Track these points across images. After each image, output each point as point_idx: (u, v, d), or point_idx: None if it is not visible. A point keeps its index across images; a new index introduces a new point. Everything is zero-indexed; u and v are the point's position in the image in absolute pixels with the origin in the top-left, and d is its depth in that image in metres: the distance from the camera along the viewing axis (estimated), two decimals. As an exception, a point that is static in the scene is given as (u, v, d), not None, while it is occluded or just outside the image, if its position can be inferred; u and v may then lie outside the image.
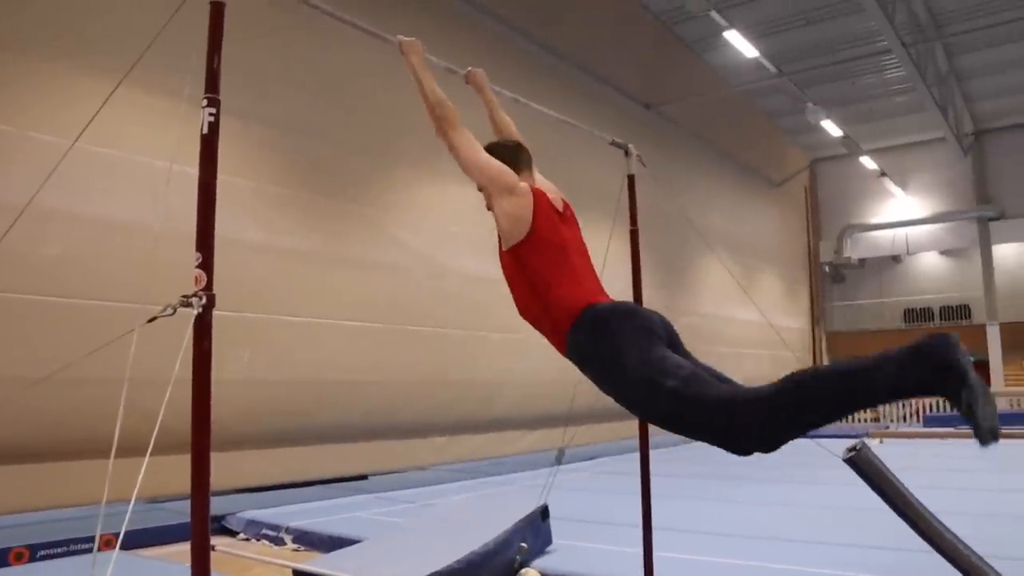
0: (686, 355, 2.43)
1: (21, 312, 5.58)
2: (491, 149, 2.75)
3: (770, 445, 2.16)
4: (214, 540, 6.20)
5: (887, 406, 18.65)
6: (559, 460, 3.79)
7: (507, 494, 7.63)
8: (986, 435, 1.86)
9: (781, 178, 20.06)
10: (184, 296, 1.92)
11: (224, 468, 7.17)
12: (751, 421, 2.12)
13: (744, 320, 16.23)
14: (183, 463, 6.48)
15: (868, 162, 20.09)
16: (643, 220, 11.92)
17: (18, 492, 5.82)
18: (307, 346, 7.64)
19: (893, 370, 1.98)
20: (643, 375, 2.25)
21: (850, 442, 2.56)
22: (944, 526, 2.61)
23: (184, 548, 5.76)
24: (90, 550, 5.71)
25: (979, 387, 1.89)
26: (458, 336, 9.42)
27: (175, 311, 1.93)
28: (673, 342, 2.45)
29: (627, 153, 3.54)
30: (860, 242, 21.61)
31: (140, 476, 1.88)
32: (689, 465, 10.05)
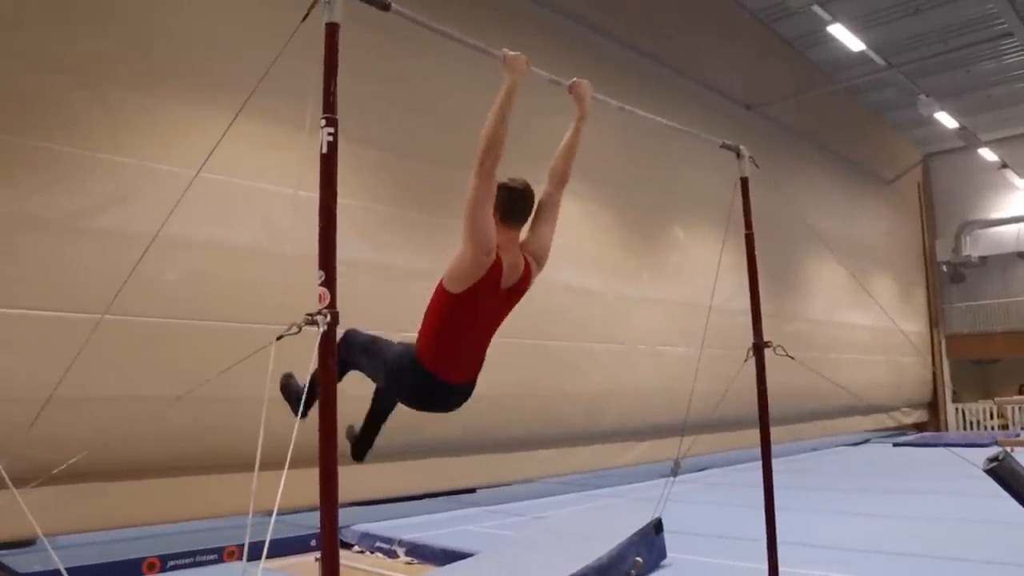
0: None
1: (149, 335, 5.86)
2: (501, 188, 2.90)
3: None
4: (330, 552, 6.35)
5: (1014, 410, 17.52)
6: (675, 472, 3.68)
7: (617, 507, 7.51)
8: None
9: (893, 175, 19.16)
10: (309, 314, 1.94)
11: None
12: None
13: (858, 325, 15.55)
14: (300, 476, 6.61)
15: (987, 154, 18.94)
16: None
17: (152, 505, 6.09)
18: (415, 361, 7.72)
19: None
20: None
21: (991, 451, 2.39)
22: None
23: (302, 560, 5.90)
24: (214, 561, 5.94)
25: None
26: (563, 348, 9.37)
27: (300, 329, 1.96)
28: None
29: (739, 155, 3.42)
30: (981, 239, 20.37)
31: (280, 490, 1.92)
32: (809, 476, 9.68)
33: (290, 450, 2.01)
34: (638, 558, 4.38)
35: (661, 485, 8.75)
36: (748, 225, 3.55)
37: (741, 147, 3.44)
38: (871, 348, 16.01)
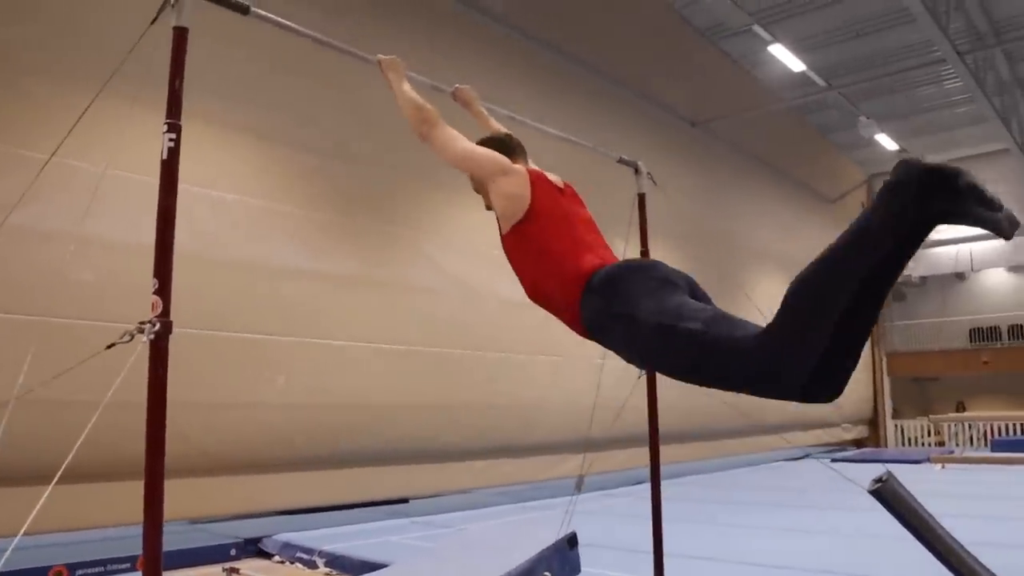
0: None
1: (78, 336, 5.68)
2: (480, 143, 2.69)
3: (826, 374, 1.81)
4: (247, 563, 6.24)
5: (950, 428, 17.92)
6: (579, 488, 3.67)
7: (545, 519, 7.50)
8: (1006, 226, 1.67)
9: (837, 194, 19.55)
10: (140, 322, 1.89)
11: (261, 490, 7.24)
12: (791, 351, 1.78)
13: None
14: (223, 484, 6.50)
15: (928, 176, 19.44)
16: (689, 238, 11.81)
17: (60, 512, 5.91)
18: (345, 369, 7.66)
19: (883, 212, 1.74)
20: (658, 323, 1.99)
21: (877, 473, 2.42)
22: (975, 559, 2.45)
23: (210, 570, 5.77)
24: (126, 570, 5.78)
25: (973, 177, 1.70)
26: (497, 359, 9.35)
27: (132, 337, 1.90)
28: (696, 294, 2.22)
29: (637, 171, 3.44)
30: (922, 259, 20.88)
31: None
32: (736, 491, 9.79)
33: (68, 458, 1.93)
34: (547, 572, 4.36)
35: (595, 498, 8.79)
36: (643, 242, 3.57)
37: (639, 163, 3.46)
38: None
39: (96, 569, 5.72)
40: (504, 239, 2.53)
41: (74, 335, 5.66)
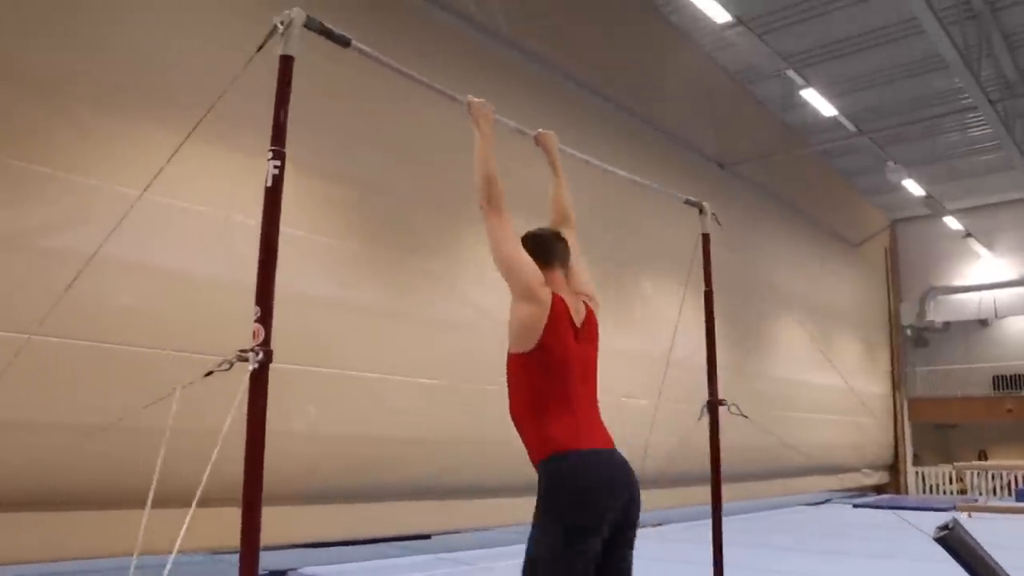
0: (613, 567, 2.53)
1: (91, 359, 5.69)
2: (526, 239, 2.74)
3: None
4: (274, 597, 6.15)
5: (973, 475, 17.64)
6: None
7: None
8: None
9: (860, 239, 19.49)
10: (241, 351, 1.87)
11: (286, 522, 7.16)
12: None
13: (821, 385, 15.65)
14: (234, 514, 6.39)
15: (952, 222, 19.38)
16: (715, 281, 11.62)
17: (69, 539, 5.85)
18: (374, 402, 7.61)
19: None
20: (536, 565, 2.41)
21: (943, 519, 2.36)
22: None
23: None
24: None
25: None
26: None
27: (231, 366, 1.89)
28: (618, 536, 2.52)
29: (701, 211, 3.43)
30: (944, 305, 20.74)
31: (184, 527, 1.83)
32: (772, 535, 9.62)
33: (200, 489, 1.92)
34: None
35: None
36: (707, 282, 3.55)
37: (704, 204, 3.45)
38: (834, 408, 16.09)
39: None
40: (508, 355, 2.65)
41: (144, 364, 5.72)
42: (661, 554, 7.85)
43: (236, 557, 6.74)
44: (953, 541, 2.31)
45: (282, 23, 2.16)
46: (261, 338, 1.90)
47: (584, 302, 2.79)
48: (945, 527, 2.31)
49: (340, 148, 7.61)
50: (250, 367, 1.89)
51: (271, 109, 7.13)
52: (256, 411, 1.88)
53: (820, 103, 12.60)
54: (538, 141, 3.20)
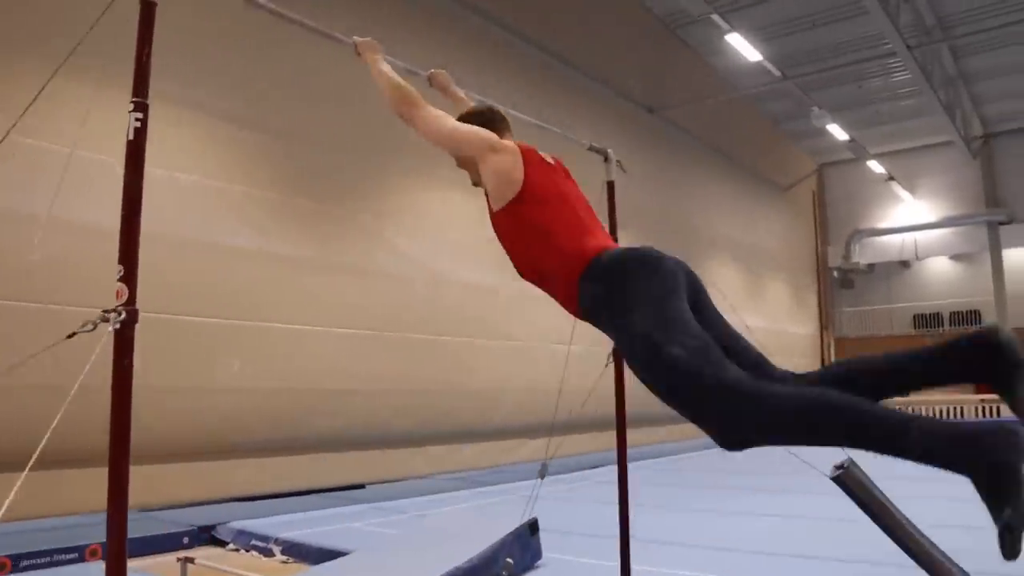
0: (710, 318, 2.22)
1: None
2: (462, 119, 2.60)
3: (746, 445, 1.95)
4: (200, 551, 6.11)
5: (935, 409, 18.47)
6: (543, 475, 3.66)
7: (503, 505, 7.50)
8: (1012, 549, 1.63)
9: (789, 183, 19.89)
10: (104, 310, 1.80)
11: (216, 476, 7.12)
12: (746, 418, 1.88)
13: (752, 327, 16.05)
14: (176, 471, 6.35)
15: (876, 166, 19.90)
16: (645, 224, 11.82)
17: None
18: (302, 354, 7.55)
19: (931, 445, 1.74)
20: (648, 335, 2.01)
21: (838, 459, 2.45)
22: (932, 544, 2.50)
23: (165, 559, 5.64)
24: (74, 561, 5.62)
25: None
26: (456, 344, 9.31)
27: (95, 326, 1.82)
28: (697, 298, 2.23)
29: (606, 159, 3.41)
30: (869, 247, 21.40)
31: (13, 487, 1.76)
32: (687, 474, 9.93)
33: (40, 448, 1.87)
34: (509, 559, 4.36)
35: (554, 483, 8.83)
36: (613, 231, 3.54)
37: (609, 151, 3.43)
38: (765, 348, 16.51)
39: (42, 559, 5.54)
40: (495, 216, 2.45)
41: (41, 319, 5.53)
42: (590, 497, 8.05)
43: (167, 514, 6.63)
44: (848, 480, 2.41)
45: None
46: (125, 297, 1.83)
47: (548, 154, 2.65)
48: (841, 466, 2.40)
49: (258, 97, 7.40)
50: (111, 327, 1.81)
51: (177, 56, 6.83)
52: (121, 373, 1.82)
53: (745, 48, 12.68)
54: (432, 80, 3.14)
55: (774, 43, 13.40)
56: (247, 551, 6.14)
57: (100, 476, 5.30)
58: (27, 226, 5.57)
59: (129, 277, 1.82)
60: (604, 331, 2.24)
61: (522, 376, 9.84)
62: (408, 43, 7.59)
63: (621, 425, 3.27)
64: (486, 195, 2.47)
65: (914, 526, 2.45)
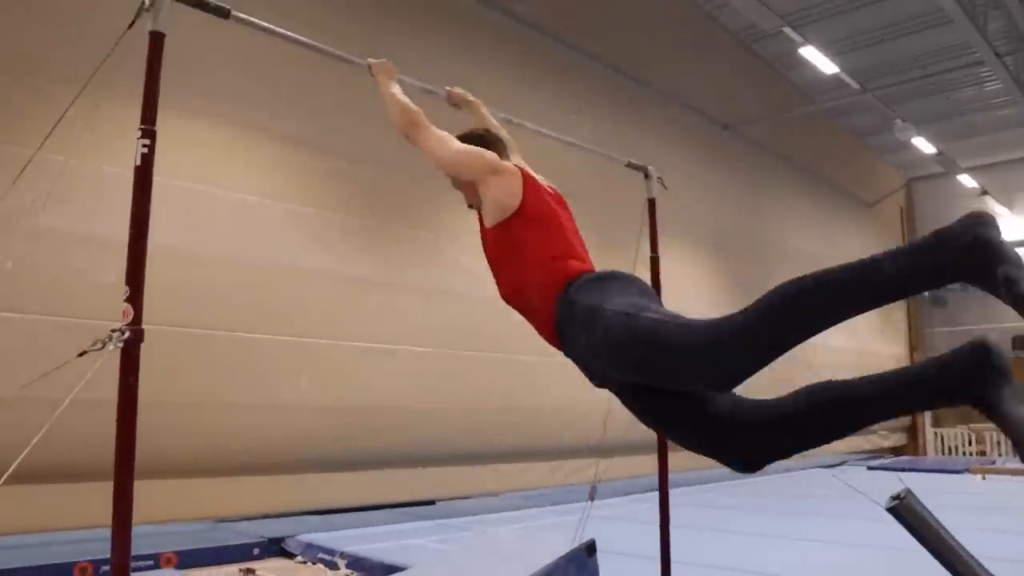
0: None
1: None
2: (462, 139, 2.67)
3: (737, 381, 1.90)
4: (268, 563, 6.29)
5: (993, 437, 17.50)
6: (592, 496, 3.63)
7: (563, 524, 7.46)
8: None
9: (875, 198, 19.24)
10: (112, 330, 1.89)
11: (288, 491, 7.31)
12: (734, 347, 1.85)
13: (835, 347, 15.55)
14: (249, 484, 6.54)
15: (968, 180, 19.04)
16: (723, 245, 11.66)
17: (87, 509, 6.02)
18: (368, 372, 7.71)
19: (906, 260, 1.71)
20: (622, 311, 2.02)
21: (896, 490, 2.38)
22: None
23: (227, 570, 5.81)
24: (150, 567, 5.87)
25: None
26: (525, 362, 9.33)
27: (104, 345, 1.91)
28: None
29: (647, 176, 3.39)
30: (963, 264, 20.42)
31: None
32: (758, 499, 9.66)
33: (16, 463, 1.95)
34: (562, 579, 4.32)
35: (626, 503, 8.72)
36: (654, 248, 3.52)
37: (649, 168, 3.41)
38: (850, 370, 15.96)
39: (121, 566, 5.78)
40: (487, 232, 2.51)
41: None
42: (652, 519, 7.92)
43: (240, 525, 6.84)
44: (904, 511, 2.34)
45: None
46: (130, 317, 1.91)
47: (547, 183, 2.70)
48: (897, 497, 2.34)
49: (322, 119, 7.63)
50: (110, 347, 1.89)
51: (247, 80, 7.10)
52: (127, 390, 1.90)
53: (821, 61, 12.37)
54: (450, 99, 3.20)
55: (851, 55, 13.03)
56: (313, 563, 6.29)
57: (172, 487, 5.50)
58: (96, 248, 5.85)
59: (135, 297, 1.90)
60: (570, 352, 2.30)
61: (594, 393, 9.74)
62: (484, 65, 7.78)
63: (662, 445, 3.23)
64: (479, 217, 2.53)
65: (974, 558, 2.35)
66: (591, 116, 10.12)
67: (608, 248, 12.27)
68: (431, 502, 8.93)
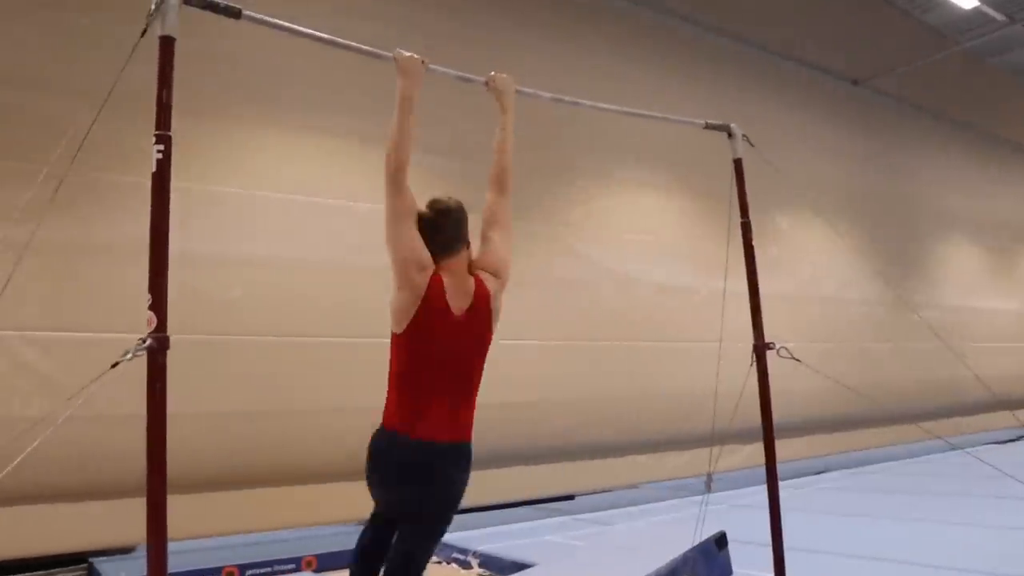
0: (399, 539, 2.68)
1: (224, 352, 6.02)
2: (422, 220, 2.65)
3: None
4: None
5: None
6: (708, 487, 3.37)
7: (708, 515, 7.13)
8: None
9: (1037, 140, 17.43)
10: (140, 339, 1.82)
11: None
12: None
13: (997, 310, 14.23)
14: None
15: None
16: (859, 209, 10.83)
17: (233, 516, 6.25)
18: (501, 367, 7.60)
19: None
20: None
21: None
22: None
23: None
24: (292, 570, 6.03)
25: None
26: (654, 348, 9.02)
27: (133, 356, 1.85)
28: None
29: (730, 135, 3.06)
30: None
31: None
32: (927, 480, 8.92)
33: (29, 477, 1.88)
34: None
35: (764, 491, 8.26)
36: (744, 213, 3.18)
37: (732, 126, 3.08)
38: (1016, 336, 14.59)
39: (264, 570, 5.99)
40: (392, 331, 2.68)
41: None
42: (805, 506, 7.45)
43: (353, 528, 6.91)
44: None
45: (155, 2, 2.05)
46: (154, 325, 1.85)
47: (482, 281, 2.75)
48: None
49: (436, 122, 7.58)
50: (129, 356, 1.82)
51: (352, 91, 7.11)
52: (155, 398, 1.83)
53: (957, -4, 11.25)
54: (489, 85, 3.01)
55: (993, -15, 11.79)
56: (448, 563, 6.28)
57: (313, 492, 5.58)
58: (218, 266, 6.06)
59: (157, 305, 1.84)
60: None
61: (727, 379, 9.31)
62: (615, 51, 7.54)
63: (769, 435, 2.92)
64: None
65: None
66: (708, 86, 9.73)
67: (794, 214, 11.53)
68: (570, 497, 8.80)
